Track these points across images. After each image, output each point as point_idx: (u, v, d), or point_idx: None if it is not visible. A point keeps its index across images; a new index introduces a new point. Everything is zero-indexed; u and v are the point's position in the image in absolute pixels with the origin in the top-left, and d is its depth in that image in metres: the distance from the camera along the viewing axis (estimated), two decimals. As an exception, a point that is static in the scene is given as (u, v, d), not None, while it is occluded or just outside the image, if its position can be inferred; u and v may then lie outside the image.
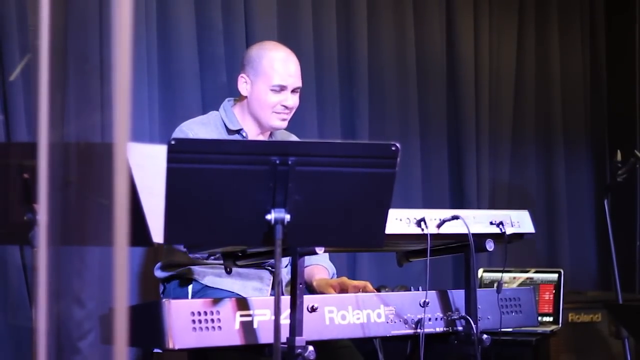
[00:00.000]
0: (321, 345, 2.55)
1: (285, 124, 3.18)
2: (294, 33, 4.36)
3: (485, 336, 2.83)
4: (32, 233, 2.33)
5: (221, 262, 2.84)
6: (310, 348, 2.47)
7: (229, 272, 3.04)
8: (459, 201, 4.92)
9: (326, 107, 4.47)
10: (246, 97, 3.18)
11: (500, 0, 5.20)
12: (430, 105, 4.90)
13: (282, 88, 3.13)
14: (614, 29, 5.65)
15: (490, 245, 2.86)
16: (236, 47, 4.12)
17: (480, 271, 4.18)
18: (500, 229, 2.89)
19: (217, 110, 3.25)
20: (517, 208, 3.05)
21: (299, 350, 2.46)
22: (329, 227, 2.40)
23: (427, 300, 2.82)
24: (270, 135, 3.24)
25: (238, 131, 3.17)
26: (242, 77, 3.18)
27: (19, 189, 2.34)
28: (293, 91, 3.16)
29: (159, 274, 3.22)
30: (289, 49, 3.23)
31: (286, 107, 3.15)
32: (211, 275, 3.11)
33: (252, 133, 3.20)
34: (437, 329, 2.89)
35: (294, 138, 3.36)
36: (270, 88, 3.13)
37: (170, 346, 2.44)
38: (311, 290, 3.18)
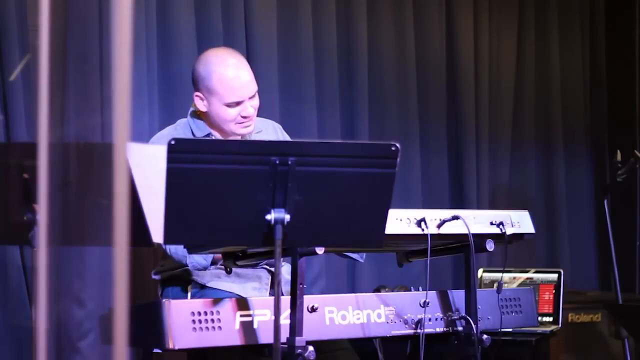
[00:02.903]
0: (319, 348, 2.55)
1: (250, 129, 3.10)
2: (294, 33, 4.36)
3: (485, 336, 2.83)
4: (32, 233, 2.33)
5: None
6: (310, 348, 2.47)
7: (229, 272, 3.04)
8: (459, 201, 4.92)
9: (326, 107, 4.46)
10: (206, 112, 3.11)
11: (500, 0, 5.20)
12: (430, 105, 4.90)
13: (238, 103, 3.06)
14: (614, 29, 5.65)
15: (490, 246, 2.86)
16: (236, 47, 4.10)
17: (480, 271, 4.17)
18: (501, 229, 2.89)
19: (186, 117, 3.17)
20: (517, 208, 3.05)
21: (299, 350, 2.45)
22: (329, 227, 2.40)
23: (427, 301, 2.82)
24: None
25: (207, 136, 3.11)
26: (197, 95, 3.09)
27: (19, 189, 2.34)
28: (250, 97, 3.08)
29: (157, 275, 3.21)
30: (236, 54, 3.13)
31: (246, 116, 3.08)
32: (210, 276, 3.11)
33: (220, 137, 3.13)
34: (437, 329, 2.89)
35: (272, 128, 3.29)
36: (226, 104, 3.05)
37: (170, 346, 2.44)
38: None
